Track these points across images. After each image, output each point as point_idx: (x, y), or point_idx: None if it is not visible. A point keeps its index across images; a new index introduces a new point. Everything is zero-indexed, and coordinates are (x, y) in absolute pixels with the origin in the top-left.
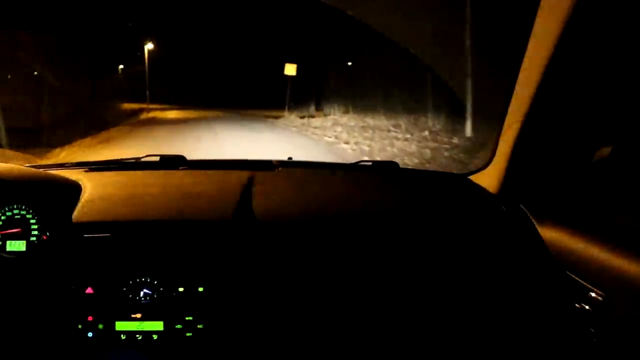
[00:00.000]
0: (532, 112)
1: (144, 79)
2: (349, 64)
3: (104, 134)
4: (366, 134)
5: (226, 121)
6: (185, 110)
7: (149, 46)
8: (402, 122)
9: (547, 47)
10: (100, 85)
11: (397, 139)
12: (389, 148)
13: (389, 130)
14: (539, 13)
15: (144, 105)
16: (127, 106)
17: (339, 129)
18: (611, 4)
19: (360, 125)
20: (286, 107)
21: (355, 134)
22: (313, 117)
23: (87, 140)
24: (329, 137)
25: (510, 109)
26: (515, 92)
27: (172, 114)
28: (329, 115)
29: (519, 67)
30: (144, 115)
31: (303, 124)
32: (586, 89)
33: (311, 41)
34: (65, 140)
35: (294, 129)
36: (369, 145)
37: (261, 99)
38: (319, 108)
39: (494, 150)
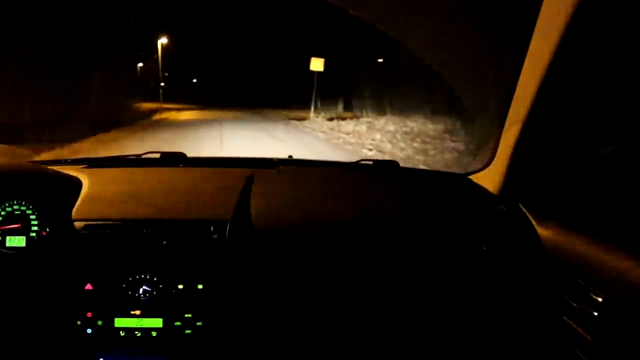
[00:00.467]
0: (532, 113)
1: (160, 76)
2: (380, 60)
3: (92, 139)
4: (415, 144)
5: (243, 124)
6: (201, 110)
7: (163, 40)
8: (456, 126)
9: (548, 48)
10: (110, 82)
11: (460, 152)
12: None
13: (442, 139)
14: (541, 14)
15: (156, 105)
16: (138, 105)
17: (377, 135)
18: (612, 6)
19: (403, 130)
20: (312, 108)
21: (402, 145)
22: (343, 119)
23: (64, 150)
24: (369, 148)
25: (511, 110)
26: (516, 92)
27: (186, 115)
28: (362, 117)
29: (521, 68)
30: (156, 116)
31: (332, 129)
32: (587, 90)
33: (337, 35)
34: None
35: (321, 135)
36: (430, 167)
37: (283, 98)
38: (347, 108)
39: (494, 151)
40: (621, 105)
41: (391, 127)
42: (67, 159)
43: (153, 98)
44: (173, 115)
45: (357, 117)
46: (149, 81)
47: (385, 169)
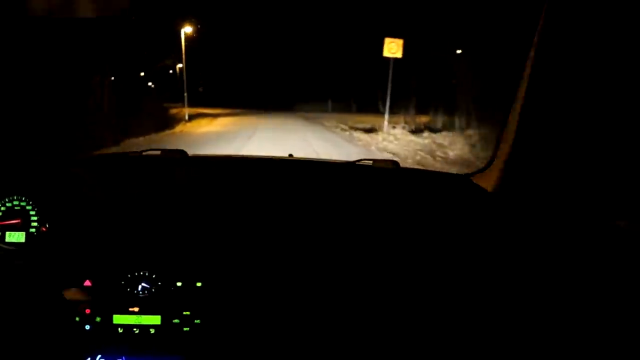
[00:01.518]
0: (533, 114)
1: (183, 78)
2: (458, 52)
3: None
4: None
5: (282, 144)
6: (240, 116)
7: (187, 29)
8: None
9: (549, 51)
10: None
11: None
12: None
13: None
14: (543, 17)
15: (188, 111)
16: (163, 111)
17: None
18: (612, 10)
19: None
20: (385, 114)
21: None
22: (435, 131)
23: None
24: None
25: (512, 110)
26: (517, 93)
27: (216, 125)
28: (467, 129)
29: (522, 70)
30: (179, 127)
31: (434, 158)
32: (587, 91)
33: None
34: None
35: None
36: None
37: (340, 96)
38: (423, 112)
39: (495, 151)
40: (621, 107)
41: None
42: (68, 156)
43: (194, 103)
44: (201, 125)
45: (462, 129)
46: (193, 84)
47: (385, 168)
